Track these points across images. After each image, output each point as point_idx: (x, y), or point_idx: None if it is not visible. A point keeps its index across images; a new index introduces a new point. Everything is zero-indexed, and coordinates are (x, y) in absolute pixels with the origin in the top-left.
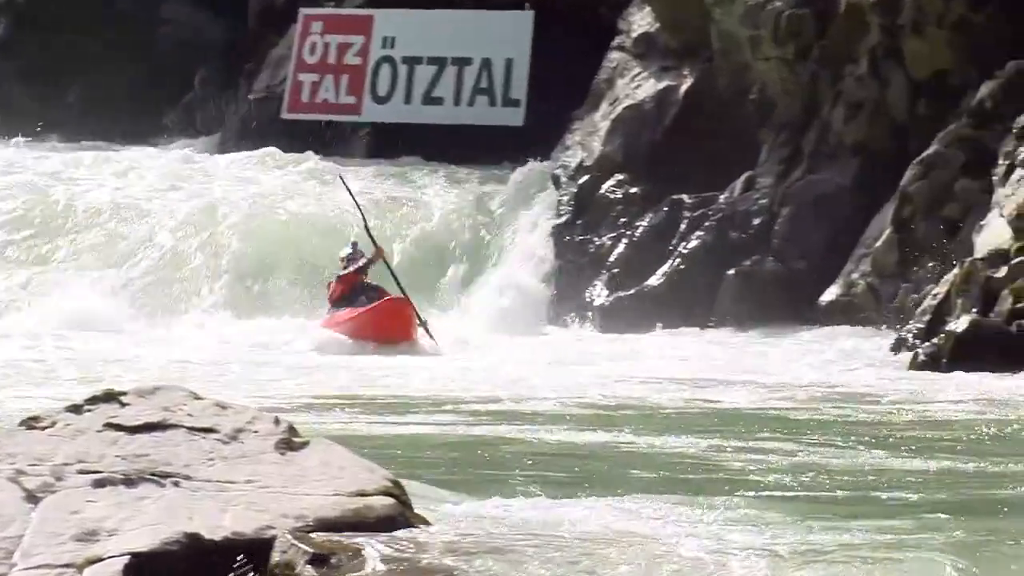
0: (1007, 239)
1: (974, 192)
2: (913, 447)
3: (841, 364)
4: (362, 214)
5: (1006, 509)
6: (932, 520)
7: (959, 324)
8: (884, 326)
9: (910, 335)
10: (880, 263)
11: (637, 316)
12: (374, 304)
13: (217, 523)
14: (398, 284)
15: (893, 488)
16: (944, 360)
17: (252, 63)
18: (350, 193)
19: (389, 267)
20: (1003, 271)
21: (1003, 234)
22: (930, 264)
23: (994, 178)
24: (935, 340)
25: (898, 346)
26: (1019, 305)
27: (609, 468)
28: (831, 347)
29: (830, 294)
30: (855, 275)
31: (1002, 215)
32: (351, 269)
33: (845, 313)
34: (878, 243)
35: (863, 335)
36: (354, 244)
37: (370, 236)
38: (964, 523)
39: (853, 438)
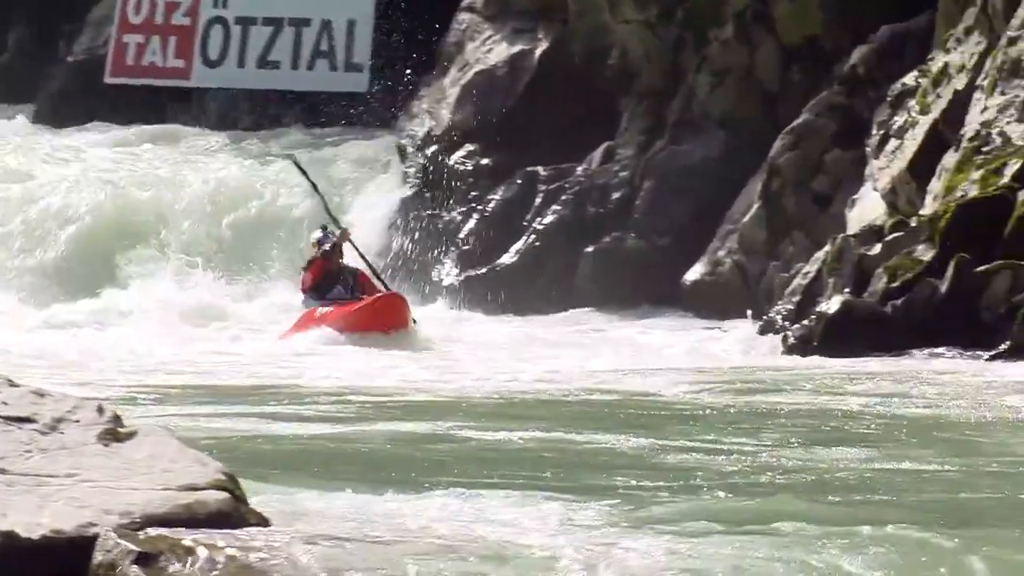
0: (881, 214)
1: (846, 164)
2: (776, 433)
3: (706, 347)
4: (320, 195)
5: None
6: (758, 512)
7: (831, 305)
8: (752, 307)
9: (779, 317)
10: (747, 240)
11: (489, 296)
12: (374, 299)
13: (34, 520)
14: (368, 265)
15: (749, 474)
16: (815, 343)
17: (71, 23)
18: (304, 174)
19: (356, 248)
20: (877, 248)
21: (877, 209)
22: (800, 241)
23: (867, 149)
24: (805, 322)
25: (766, 328)
26: (894, 285)
27: (458, 461)
28: (696, 329)
29: (694, 273)
30: (721, 253)
31: (876, 188)
32: (319, 253)
33: (711, 293)
34: (745, 219)
35: (730, 316)
36: (324, 228)
37: (331, 217)
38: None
39: (732, 426)
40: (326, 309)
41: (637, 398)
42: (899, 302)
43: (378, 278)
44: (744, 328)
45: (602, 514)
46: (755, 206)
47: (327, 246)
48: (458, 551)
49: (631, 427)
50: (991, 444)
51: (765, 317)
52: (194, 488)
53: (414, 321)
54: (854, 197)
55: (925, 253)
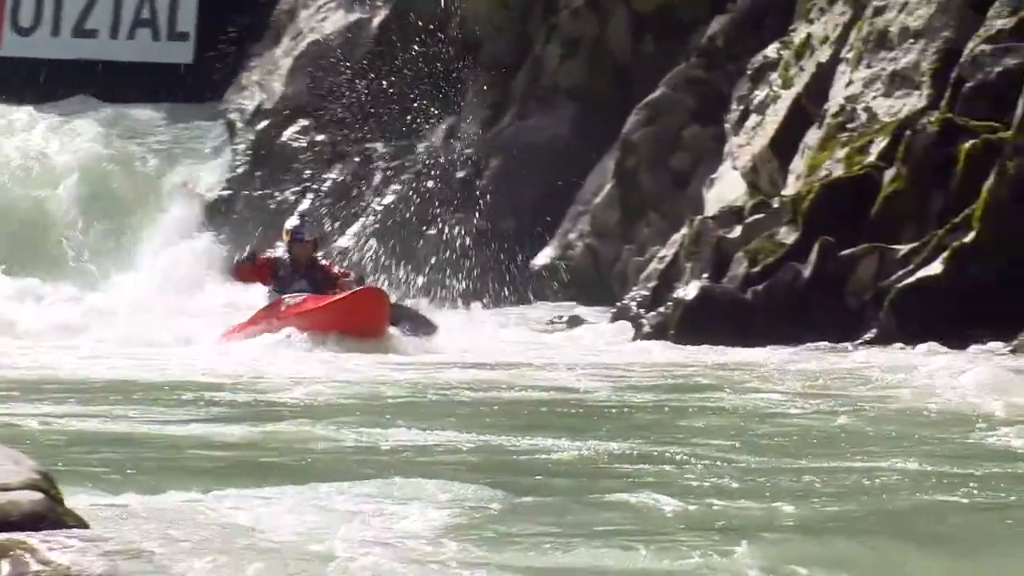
0: (741, 194)
1: (705, 141)
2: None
3: (555, 336)
4: None
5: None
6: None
7: (688, 291)
8: (604, 293)
9: (634, 303)
10: (600, 222)
11: None
12: (352, 292)
13: None
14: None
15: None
16: (671, 331)
17: None
18: None
19: None
20: (737, 231)
21: (737, 188)
22: (656, 223)
23: (727, 125)
24: (661, 309)
25: (620, 315)
26: (755, 269)
27: (291, 461)
28: (547, 316)
29: (544, 257)
30: (572, 235)
31: (736, 167)
32: (287, 243)
33: (561, 277)
34: (598, 199)
35: (582, 302)
36: (302, 216)
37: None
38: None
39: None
40: (295, 300)
41: (494, 391)
42: (760, 288)
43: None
44: (596, 314)
45: (430, 516)
46: (608, 186)
47: (302, 235)
48: (281, 554)
49: (481, 424)
50: (843, 435)
51: (619, 304)
52: (6, 488)
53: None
54: (713, 176)
55: (787, 236)
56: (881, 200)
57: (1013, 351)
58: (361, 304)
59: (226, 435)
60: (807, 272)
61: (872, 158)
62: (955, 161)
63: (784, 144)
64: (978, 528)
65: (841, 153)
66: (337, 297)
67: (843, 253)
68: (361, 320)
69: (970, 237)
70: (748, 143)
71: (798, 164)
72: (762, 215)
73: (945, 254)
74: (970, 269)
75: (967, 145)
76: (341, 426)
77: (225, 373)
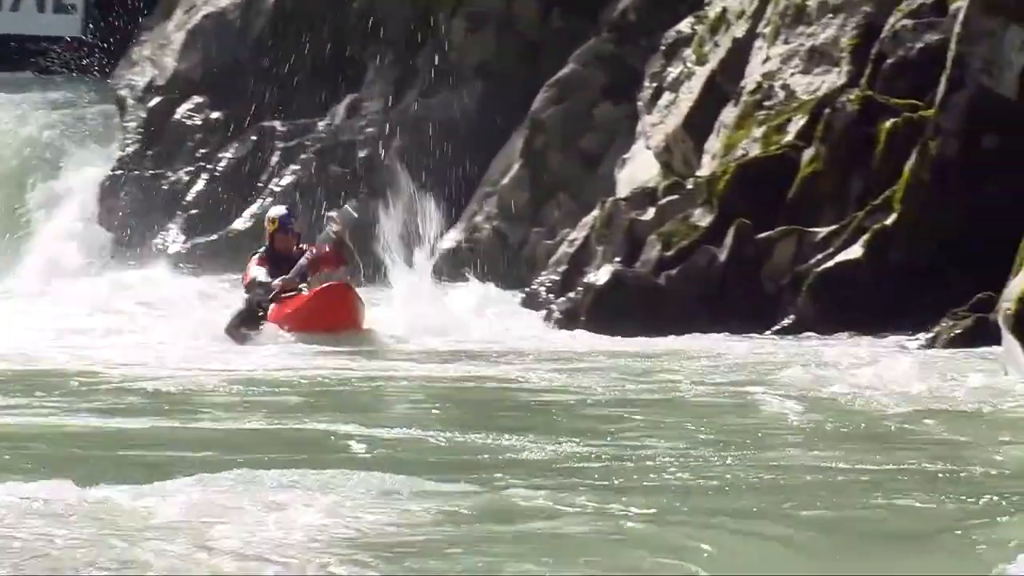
0: (654, 175)
1: (617, 119)
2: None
3: (468, 321)
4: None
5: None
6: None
7: (599, 276)
8: (513, 276)
9: (543, 288)
10: (508, 204)
11: (220, 264)
12: (315, 292)
13: None
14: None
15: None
16: (582, 318)
17: None
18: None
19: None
20: (650, 213)
21: (650, 169)
22: (566, 204)
23: (639, 103)
24: (572, 295)
25: (529, 301)
26: (668, 253)
27: (154, 450)
28: (454, 302)
29: (449, 240)
30: (479, 218)
31: (648, 147)
32: (274, 233)
33: (468, 261)
34: (505, 180)
35: (490, 286)
36: (291, 207)
37: (338, 233)
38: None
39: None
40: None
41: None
42: (674, 272)
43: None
44: (505, 299)
45: (306, 505)
46: (516, 166)
47: (291, 226)
48: (155, 545)
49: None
50: (754, 423)
51: (527, 289)
52: None
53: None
54: (625, 156)
55: (702, 218)
56: (799, 181)
57: (932, 341)
58: (327, 302)
59: (126, 429)
60: (723, 256)
61: (790, 137)
62: (875, 141)
63: (699, 123)
64: (856, 516)
65: (758, 132)
66: (305, 297)
67: (760, 236)
68: (330, 318)
69: (891, 220)
70: (661, 122)
71: (713, 143)
72: (676, 197)
73: (865, 237)
74: (890, 254)
75: (888, 124)
76: (239, 419)
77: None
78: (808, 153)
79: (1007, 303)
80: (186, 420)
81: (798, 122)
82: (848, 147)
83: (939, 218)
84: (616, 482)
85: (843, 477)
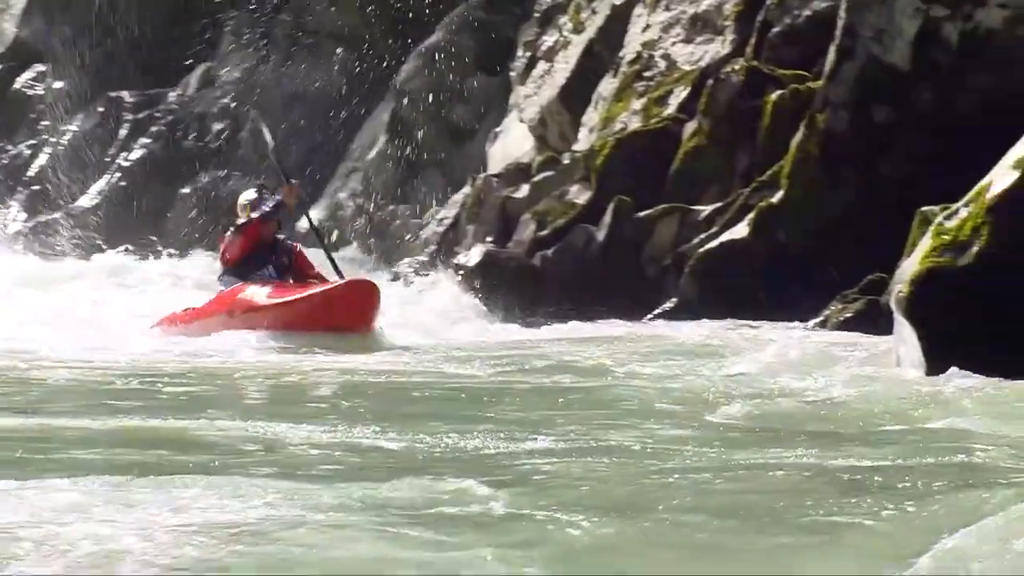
0: (528, 150)
1: (489, 91)
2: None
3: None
4: (271, 140)
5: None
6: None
7: (470, 256)
8: (380, 257)
9: (411, 270)
10: (373, 180)
11: (66, 243)
12: (339, 285)
13: None
14: (320, 239)
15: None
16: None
17: None
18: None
19: (308, 217)
20: (524, 190)
21: (524, 144)
22: (435, 181)
23: (512, 74)
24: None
25: (397, 282)
26: (543, 233)
27: (31, 449)
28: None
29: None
30: (343, 194)
31: (522, 120)
32: (255, 216)
33: (331, 240)
34: (371, 155)
35: (358, 268)
36: (260, 187)
37: (281, 170)
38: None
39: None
40: (261, 289)
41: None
42: (550, 253)
43: (333, 263)
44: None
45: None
46: (381, 140)
47: (267, 207)
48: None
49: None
50: (626, 412)
51: (394, 270)
52: None
53: None
54: (497, 130)
55: (579, 195)
56: (681, 156)
57: (821, 325)
58: (352, 299)
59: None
60: (601, 235)
61: (671, 110)
62: (761, 114)
63: (575, 95)
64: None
65: (638, 104)
66: (322, 288)
67: (640, 215)
68: (350, 317)
69: (778, 197)
70: (535, 93)
71: (591, 116)
72: (551, 173)
73: (751, 216)
74: (778, 233)
75: (774, 96)
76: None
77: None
78: (690, 127)
79: (900, 285)
80: (44, 415)
81: (680, 94)
82: (733, 120)
83: (828, 195)
84: (480, 472)
85: (712, 474)
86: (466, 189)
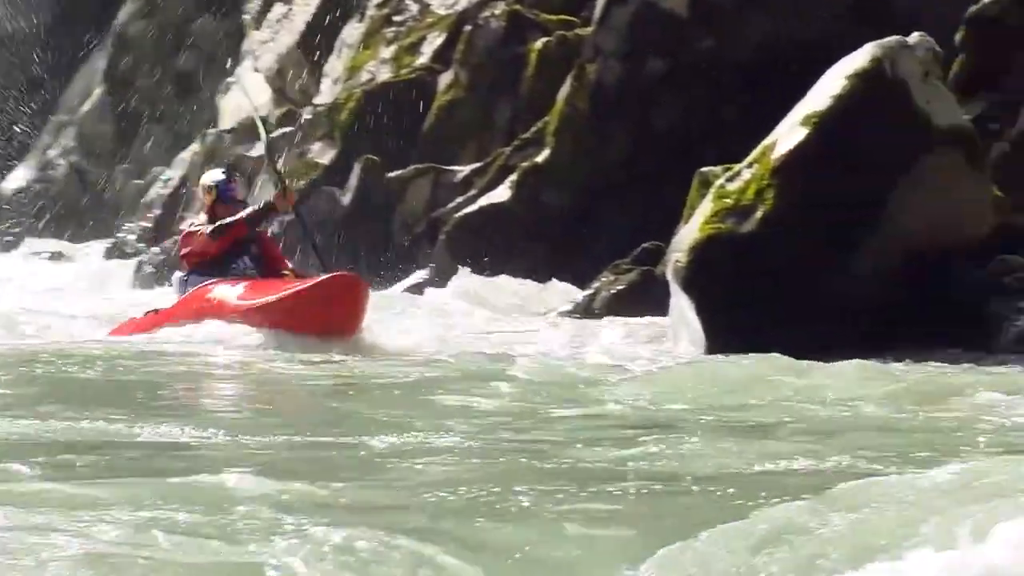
0: (265, 103)
1: (218, 36)
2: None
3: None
4: (266, 132)
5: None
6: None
7: (200, 220)
8: (98, 225)
9: (131, 237)
10: (88, 136)
11: None
12: (323, 279)
13: None
14: (305, 228)
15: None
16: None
17: None
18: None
19: (299, 212)
20: (260, 148)
21: (260, 96)
22: (159, 137)
23: (245, 17)
24: (167, 244)
25: (114, 252)
26: None
27: None
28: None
29: (18, 179)
30: (53, 152)
31: (257, 69)
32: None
33: (35, 205)
34: (85, 108)
35: (70, 236)
36: (229, 169)
37: (276, 172)
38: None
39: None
40: (233, 289)
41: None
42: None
43: (318, 253)
44: (86, 255)
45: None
46: (97, 92)
47: (234, 192)
48: None
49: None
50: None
51: (114, 238)
52: None
53: None
54: (229, 80)
55: (322, 154)
56: (436, 111)
57: (591, 299)
58: (335, 296)
59: None
60: (347, 199)
61: (425, 59)
62: (525, 63)
63: (317, 41)
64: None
65: (387, 53)
66: (301, 287)
67: (391, 175)
68: (334, 317)
69: (543, 157)
70: (272, 39)
71: (334, 66)
72: (291, 128)
73: (513, 177)
74: (543, 196)
75: (539, 44)
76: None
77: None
78: (446, 78)
79: (677, 254)
80: None
81: (434, 41)
82: (493, 71)
83: (598, 154)
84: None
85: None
86: (194, 146)
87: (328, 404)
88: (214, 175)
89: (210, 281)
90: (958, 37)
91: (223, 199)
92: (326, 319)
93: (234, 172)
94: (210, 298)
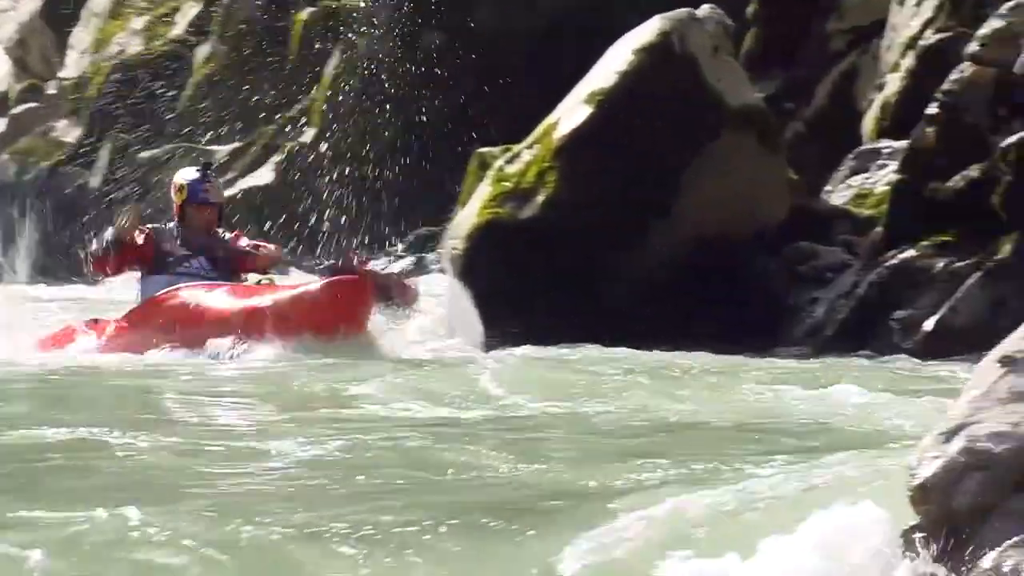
0: (5, 76)
1: None
2: None
3: None
4: None
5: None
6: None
7: None
8: None
9: None
10: None
11: None
12: (329, 280)
13: None
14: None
15: None
16: None
17: None
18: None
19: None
20: (1, 125)
21: (1, 67)
22: None
23: None
24: None
25: None
26: (27, 177)
27: None
28: None
29: None
30: None
31: None
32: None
33: None
34: None
35: None
36: (206, 167)
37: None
38: None
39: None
40: (207, 293)
41: None
42: (31, 200)
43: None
44: None
45: None
46: None
47: (206, 195)
48: None
49: None
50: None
51: None
52: None
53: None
54: None
55: (68, 132)
56: (192, 86)
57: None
58: (342, 297)
59: None
60: (95, 181)
61: (179, 30)
62: (288, 36)
63: (61, 10)
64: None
65: (138, 23)
66: (306, 289)
67: (142, 155)
68: (340, 317)
69: (310, 136)
70: (13, 8)
71: (80, 37)
72: (34, 104)
73: (277, 158)
74: (311, 178)
75: (304, 15)
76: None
77: None
78: (203, 51)
79: (454, 241)
80: None
81: (189, 11)
82: (253, 43)
83: (370, 133)
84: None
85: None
86: None
87: None
88: (187, 173)
89: (165, 291)
90: (750, 10)
91: (193, 200)
92: (331, 318)
93: (210, 171)
94: (180, 304)
